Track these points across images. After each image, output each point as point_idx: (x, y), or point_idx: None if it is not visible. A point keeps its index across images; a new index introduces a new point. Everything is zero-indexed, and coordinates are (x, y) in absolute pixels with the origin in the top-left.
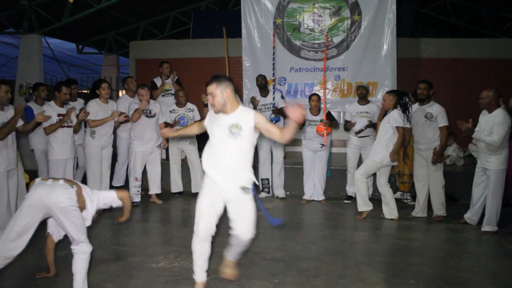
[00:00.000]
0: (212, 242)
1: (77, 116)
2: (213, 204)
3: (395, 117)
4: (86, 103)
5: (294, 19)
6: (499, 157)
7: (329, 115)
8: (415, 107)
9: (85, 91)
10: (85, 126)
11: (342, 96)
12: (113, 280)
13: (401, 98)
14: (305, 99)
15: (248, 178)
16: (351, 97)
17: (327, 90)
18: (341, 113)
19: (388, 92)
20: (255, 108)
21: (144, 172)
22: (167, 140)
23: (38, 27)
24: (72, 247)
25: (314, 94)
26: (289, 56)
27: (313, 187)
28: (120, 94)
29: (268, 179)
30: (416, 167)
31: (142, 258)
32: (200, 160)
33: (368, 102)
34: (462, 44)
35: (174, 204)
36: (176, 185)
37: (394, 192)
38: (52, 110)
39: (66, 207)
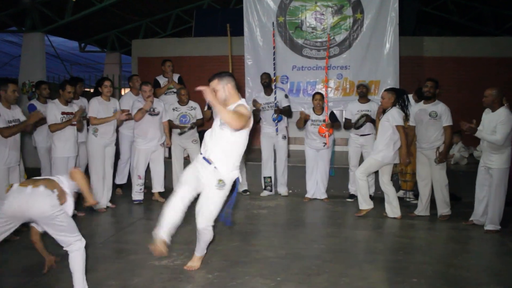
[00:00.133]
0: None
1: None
2: (195, 177)
3: (394, 115)
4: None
5: (296, 18)
6: (502, 156)
7: (332, 116)
8: (419, 105)
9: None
10: (88, 124)
11: (345, 94)
12: (115, 277)
13: (400, 96)
14: (308, 98)
15: (229, 174)
16: (354, 96)
17: (329, 89)
18: (344, 111)
19: (386, 90)
20: (257, 110)
21: (147, 170)
22: (170, 138)
23: (41, 26)
24: (65, 248)
25: (318, 93)
26: (291, 54)
27: (316, 185)
28: (123, 92)
29: (270, 177)
30: (419, 165)
31: (144, 256)
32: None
33: (368, 100)
34: (464, 43)
35: None
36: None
37: (397, 191)
38: (56, 108)
39: (50, 215)
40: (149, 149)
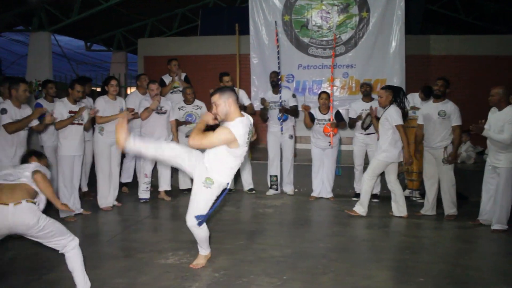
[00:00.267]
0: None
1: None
2: (187, 156)
3: (392, 115)
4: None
5: (302, 16)
6: (509, 155)
7: (337, 115)
8: (429, 103)
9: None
10: (94, 123)
11: (350, 93)
12: (122, 275)
13: (397, 93)
14: (313, 97)
15: (219, 176)
16: (359, 95)
17: (335, 88)
18: (349, 110)
19: (383, 88)
20: (265, 109)
21: (154, 169)
22: (177, 137)
23: (48, 25)
24: (60, 251)
25: (323, 92)
26: (297, 53)
27: (322, 184)
28: (129, 91)
29: (276, 176)
30: (426, 164)
31: (151, 254)
32: None
33: (372, 99)
34: (471, 41)
35: (182, 201)
36: (185, 182)
37: (403, 190)
38: (64, 107)
39: (37, 227)
40: None
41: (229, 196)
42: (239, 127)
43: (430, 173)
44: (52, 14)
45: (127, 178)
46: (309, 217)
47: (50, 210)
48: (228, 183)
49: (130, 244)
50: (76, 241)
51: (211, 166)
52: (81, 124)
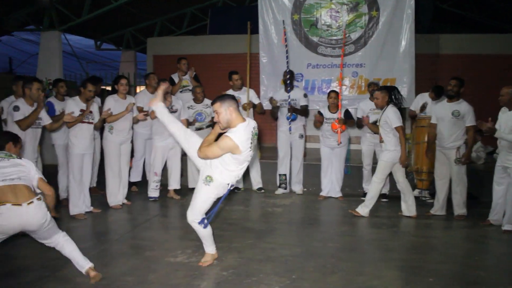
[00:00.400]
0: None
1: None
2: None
3: (390, 117)
4: (102, 101)
5: (311, 15)
6: None
7: (347, 113)
8: (443, 103)
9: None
10: (104, 122)
11: (360, 92)
12: (131, 273)
13: (392, 92)
14: (323, 96)
15: (220, 175)
16: (368, 94)
17: (344, 87)
18: (357, 110)
19: (378, 90)
20: (274, 108)
21: (164, 168)
22: None
23: (58, 24)
24: (53, 245)
25: (333, 91)
26: (306, 52)
27: (331, 183)
28: (138, 90)
29: (285, 175)
30: (438, 165)
31: (160, 252)
32: None
33: None
34: (481, 40)
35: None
36: (194, 181)
37: (412, 190)
38: (75, 105)
39: (43, 223)
40: (167, 146)
41: (238, 195)
42: (241, 133)
43: (442, 173)
44: (63, 13)
45: (136, 178)
46: (318, 216)
47: (61, 207)
48: (229, 184)
49: (139, 242)
50: (63, 233)
51: (214, 165)
52: (92, 123)
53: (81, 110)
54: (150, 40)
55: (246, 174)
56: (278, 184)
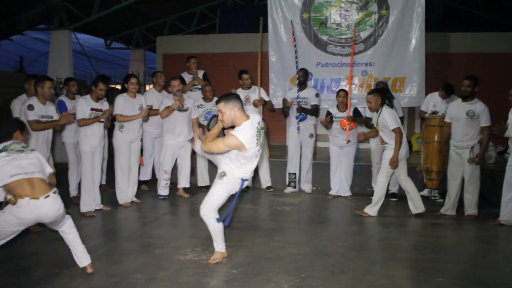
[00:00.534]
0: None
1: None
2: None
3: (387, 120)
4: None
5: (320, 14)
6: None
7: (356, 112)
8: (457, 102)
9: (113, 86)
10: (114, 120)
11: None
12: (142, 270)
13: (384, 94)
14: (332, 95)
15: (232, 171)
16: None
17: (353, 86)
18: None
19: (370, 93)
20: (286, 108)
21: (173, 166)
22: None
23: (68, 23)
24: (60, 229)
25: (342, 90)
26: (315, 51)
27: (340, 182)
28: (147, 89)
29: (295, 173)
30: (451, 164)
31: (170, 250)
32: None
33: None
34: (492, 39)
35: (201, 198)
36: (203, 179)
37: (422, 189)
38: (86, 104)
39: (61, 213)
40: (177, 145)
41: (247, 194)
42: (246, 131)
43: (455, 173)
44: (73, 12)
45: (146, 176)
46: (327, 215)
47: (72, 205)
48: (242, 179)
49: (149, 240)
50: (69, 217)
51: (225, 162)
52: (102, 121)
53: (92, 109)
54: (160, 39)
55: (255, 173)
56: (287, 182)
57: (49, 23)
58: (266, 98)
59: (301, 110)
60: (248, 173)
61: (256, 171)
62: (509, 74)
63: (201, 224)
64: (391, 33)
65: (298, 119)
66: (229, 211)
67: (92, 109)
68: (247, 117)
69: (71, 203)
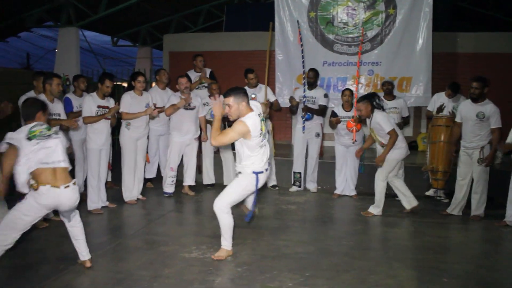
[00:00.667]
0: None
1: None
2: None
3: (381, 123)
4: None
5: (327, 13)
6: None
7: None
8: (467, 103)
9: (119, 83)
10: (120, 118)
11: (375, 91)
12: (147, 268)
13: (373, 99)
14: (338, 94)
15: (243, 167)
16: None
17: (360, 85)
18: None
19: (359, 101)
20: (293, 107)
21: (179, 164)
22: (206, 133)
23: (75, 21)
24: (70, 220)
25: (347, 89)
26: (322, 50)
27: (345, 182)
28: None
29: (300, 173)
30: (461, 165)
31: (175, 248)
32: (233, 153)
33: (394, 97)
34: (500, 39)
35: (206, 195)
36: (208, 177)
37: (427, 189)
38: (92, 101)
39: (75, 204)
40: (184, 142)
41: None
42: (253, 119)
43: (465, 174)
44: (80, 10)
45: (151, 174)
46: (332, 214)
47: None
48: (254, 172)
49: (154, 237)
50: (78, 212)
51: (241, 162)
52: (109, 118)
53: (99, 106)
54: (166, 37)
55: None
56: (292, 181)
57: (57, 20)
58: (272, 98)
59: (307, 109)
60: (257, 165)
61: None
62: None
63: (206, 222)
64: (398, 32)
65: (304, 119)
66: (253, 208)
67: (99, 106)
68: (251, 109)
69: (80, 200)
